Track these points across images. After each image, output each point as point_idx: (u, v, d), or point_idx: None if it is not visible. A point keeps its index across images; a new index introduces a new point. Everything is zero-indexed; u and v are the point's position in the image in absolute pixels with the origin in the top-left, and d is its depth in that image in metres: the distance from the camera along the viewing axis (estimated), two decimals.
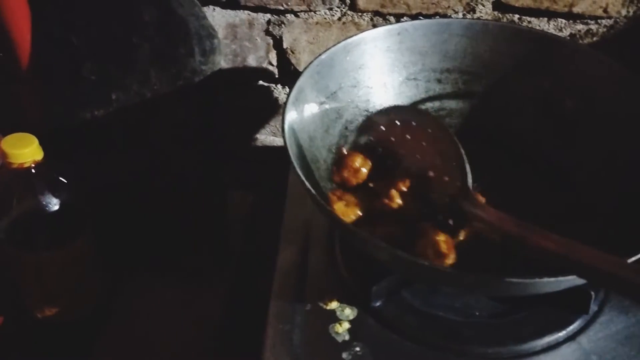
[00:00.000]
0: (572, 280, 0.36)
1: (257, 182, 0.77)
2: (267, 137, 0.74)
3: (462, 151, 0.41)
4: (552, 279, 0.36)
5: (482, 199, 0.43)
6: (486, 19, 0.61)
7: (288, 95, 0.48)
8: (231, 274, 0.69)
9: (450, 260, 0.39)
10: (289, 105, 0.47)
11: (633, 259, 0.36)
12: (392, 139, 0.43)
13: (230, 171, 0.74)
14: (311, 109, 0.50)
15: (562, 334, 0.45)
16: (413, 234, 0.42)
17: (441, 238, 0.40)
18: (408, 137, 0.43)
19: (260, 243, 0.72)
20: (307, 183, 0.41)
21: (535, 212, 0.50)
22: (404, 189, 0.42)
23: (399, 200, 0.42)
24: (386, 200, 0.42)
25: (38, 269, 0.56)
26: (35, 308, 0.59)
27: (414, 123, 0.43)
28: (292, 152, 0.44)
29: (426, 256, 0.39)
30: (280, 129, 0.73)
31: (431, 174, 0.41)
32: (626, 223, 0.46)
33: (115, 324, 0.63)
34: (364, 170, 0.44)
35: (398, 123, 0.44)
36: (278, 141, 0.74)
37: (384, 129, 0.44)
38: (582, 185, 0.52)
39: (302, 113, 0.49)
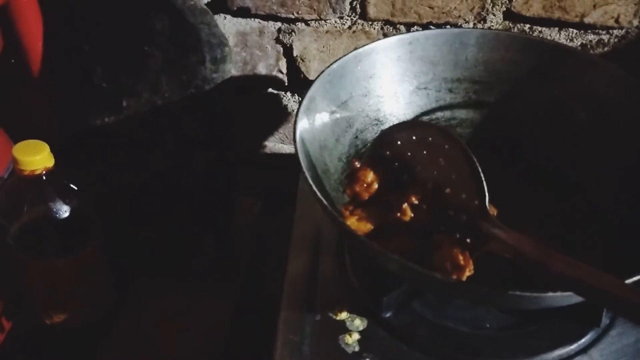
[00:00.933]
0: None
1: (265, 189, 0.77)
2: (275, 144, 0.74)
3: (480, 170, 0.41)
4: (565, 294, 0.35)
5: (494, 211, 0.43)
6: (497, 29, 0.61)
7: (299, 104, 0.48)
8: (239, 280, 0.69)
9: (469, 272, 0.39)
10: (300, 115, 0.47)
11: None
12: (409, 153, 0.43)
13: (239, 177, 0.74)
14: (322, 118, 0.50)
15: (573, 347, 0.44)
16: (427, 248, 0.42)
17: (458, 250, 0.39)
18: (425, 152, 0.43)
19: (268, 249, 0.72)
20: (318, 194, 0.41)
21: (545, 222, 0.50)
22: (416, 201, 0.42)
23: (411, 214, 0.42)
24: (399, 214, 0.42)
25: (47, 275, 0.56)
26: (44, 314, 0.59)
27: (430, 139, 0.43)
28: (304, 162, 0.44)
29: (444, 269, 0.39)
30: (288, 137, 0.73)
31: (448, 190, 0.41)
32: (636, 234, 0.46)
33: (123, 330, 0.63)
34: (376, 186, 0.44)
35: (415, 138, 0.43)
36: (286, 148, 0.74)
37: (400, 143, 0.44)
38: (594, 196, 0.52)
39: (313, 122, 0.49)
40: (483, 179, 0.41)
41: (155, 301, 0.66)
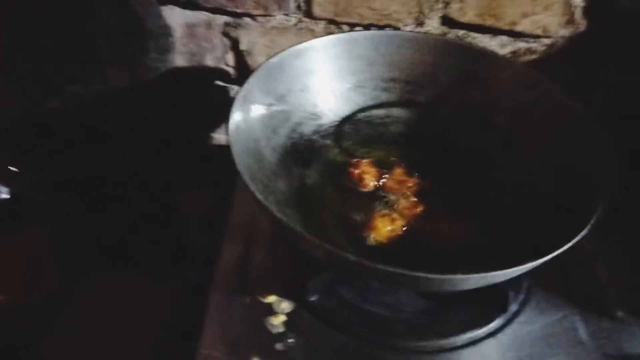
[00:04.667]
0: (482, 279, 0.39)
1: (213, 180, 0.78)
2: (222, 136, 0.76)
3: None
4: (461, 276, 0.38)
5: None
6: (432, 34, 0.64)
7: (236, 95, 0.50)
8: (187, 270, 0.70)
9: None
10: (235, 106, 0.49)
11: (543, 260, 0.39)
12: None
13: (187, 169, 0.75)
14: (258, 110, 0.52)
15: (482, 330, 0.48)
16: None
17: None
18: None
19: (215, 241, 0.73)
20: (247, 179, 0.43)
21: (477, 210, 0.52)
22: None
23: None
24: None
25: None
26: None
27: None
28: (236, 151, 0.46)
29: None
30: None
31: None
32: (553, 223, 0.49)
33: (68, 317, 0.63)
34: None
35: None
36: None
37: None
38: (520, 187, 0.54)
39: (249, 113, 0.51)
40: None
41: (102, 291, 0.66)
